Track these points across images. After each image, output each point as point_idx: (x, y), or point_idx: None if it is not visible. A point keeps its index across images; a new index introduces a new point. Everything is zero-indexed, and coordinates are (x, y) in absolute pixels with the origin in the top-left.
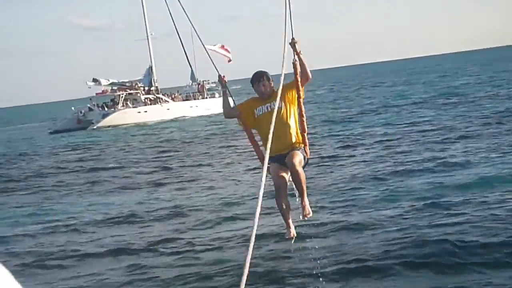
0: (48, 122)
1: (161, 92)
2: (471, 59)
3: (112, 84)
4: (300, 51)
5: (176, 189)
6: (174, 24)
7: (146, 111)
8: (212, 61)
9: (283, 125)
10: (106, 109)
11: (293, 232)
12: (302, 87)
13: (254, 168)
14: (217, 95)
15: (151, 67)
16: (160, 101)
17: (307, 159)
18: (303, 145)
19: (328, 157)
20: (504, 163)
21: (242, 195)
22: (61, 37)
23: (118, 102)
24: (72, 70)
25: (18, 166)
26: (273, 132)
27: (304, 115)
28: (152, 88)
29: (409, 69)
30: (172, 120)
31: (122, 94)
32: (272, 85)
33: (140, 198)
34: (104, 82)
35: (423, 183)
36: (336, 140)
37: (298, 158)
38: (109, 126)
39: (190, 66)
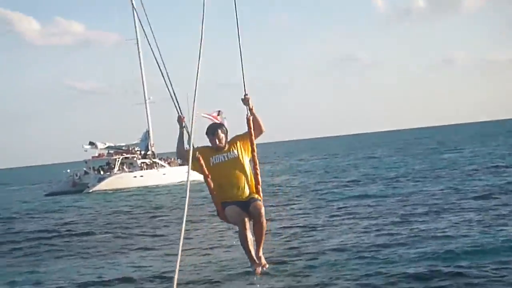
0: (44, 184)
1: (157, 156)
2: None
3: (108, 147)
4: (252, 107)
5: (165, 254)
6: (169, 91)
7: (142, 176)
8: (174, 100)
9: (240, 173)
10: (102, 172)
11: (263, 262)
12: (255, 139)
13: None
14: None
15: (148, 132)
16: (156, 166)
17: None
18: (258, 196)
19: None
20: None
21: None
22: (56, 100)
23: (114, 166)
24: (67, 133)
25: (12, 228)
26: (231, 180)
27: (258, 167)
28: (149, 153)
29: (402, 139)
30: (167, 185)
31: (119, 158)
32: (227, 137)
33: (129, 261)
34: (100, 145)
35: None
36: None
37: (263, 209)
38: (104, 190)
39: (188, 132)
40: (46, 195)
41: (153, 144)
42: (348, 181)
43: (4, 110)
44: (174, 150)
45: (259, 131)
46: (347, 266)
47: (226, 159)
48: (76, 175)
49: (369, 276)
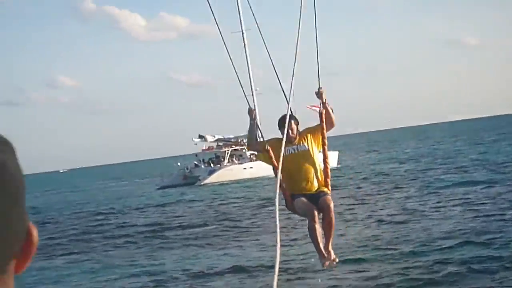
0: (155, 178)
1: None
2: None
3: (217, 140)
4: (326, 100)
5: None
6: (279, 82)
7: (251, 167)
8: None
9: (309, 166)
10: (212, 165)
11: (333, 257)
12: (326, 133)
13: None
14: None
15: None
16: None
17: None
18: (327, 190)
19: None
20: None
21: None
22: (162, 94)
23: (224, 159)
24: (175, 126)
25: (126, 221)
26: (300, 173)
27: (328, 161)
28: None
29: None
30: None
31: (228, 150)
32: (299, 128)
33: (239, 252)
34: (210, 138)
35: None
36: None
37: (332, 204)
38: (215, 183)
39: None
40: (158, 188)
41: (261, 135)
42: (456, 168)
43: (112, 104)
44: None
45: (331, 125)
46: (456, 251)
47: (297, 151)
48: (187, 168)
49: (481, 262)
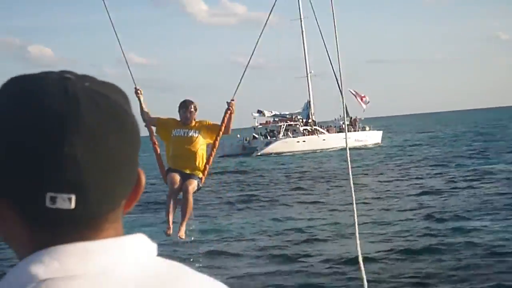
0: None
1: (317, 124)
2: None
3: (274, 116)
4: (233, 112)
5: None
6: (332, 67)
7: (304, 141)
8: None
9: (191, 151)
10: (268, 138)
11: (171, 231)
12: (219, 136)
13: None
14: (367, 128)
15: (309, 102)
16: (317, 133)
17: (200, 186)
18: (201, 174)
19: None
20: None
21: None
22: (224, 74)
23: (279, 132)
24: (236, 103)
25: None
26: (181, 153)
27: (215, 151)
28: (310, 121)
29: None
30: (327, 150)
31: (283, 125)
32: (196, 115)
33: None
34: (267, 113)
35: None
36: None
37: (192, 186)
38: (271, 153)
39: (344, 102)
40: (220, 157)
41: (313, 113)
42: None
43: (177, 84)
44: (332, 119)
45: (227, 132)
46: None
47: (186, 135)
48: (246, 140)
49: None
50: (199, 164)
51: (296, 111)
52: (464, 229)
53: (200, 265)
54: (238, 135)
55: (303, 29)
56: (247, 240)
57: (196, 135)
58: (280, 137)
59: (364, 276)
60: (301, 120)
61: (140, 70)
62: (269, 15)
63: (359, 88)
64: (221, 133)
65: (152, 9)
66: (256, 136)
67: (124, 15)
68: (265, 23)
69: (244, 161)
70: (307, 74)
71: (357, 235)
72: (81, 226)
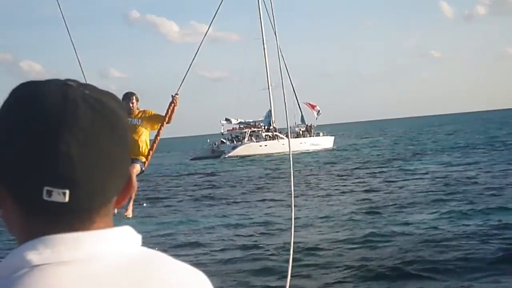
0: (189, 151)
1: (277, 130)
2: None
3: (240, 123)
4: (176, 105)
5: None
6: (290, 80)
7: (266, 145)
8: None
9: (135, 137)
10: (234, 142)
11: (128, 212)
12: (163, 125)
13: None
14: (321, 134)
15: (270, 111)
16: (277, 138)
17: (143, 170)
18: (144, 159)
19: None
20: None
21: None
22: (193, 87)
23: (244, 137)
24: (204, 112)
25: (168, 182)
26: None
27: (158, 139)
28: (271, 127)
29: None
30: (286, 153)
31: (248, 131)
32: (138, 105)
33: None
34: (234, 121)
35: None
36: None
37: (135, 169)
38: (237, 156)
39: (301, 111)
40: (191, 159)
41: (274, 121)
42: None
43: (149, 92)
44: (291, 125)
45: (169, 121)
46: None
47: (130, 123)
48: (215, 144)
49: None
50: (142, 149)
51: (259, 119)
52: (399, 221)
53: (173, 253)
54: (208, 140)
55: (265, 47)
56: (213, 232)
57: (139, 123)
58: (245, 142)
59: (291, 262)
60: (263, 127)
61: (119, 82)
62: (208, 28)
63: (311, 98)
64: (165, 123)
65: (127, 28)
66: (224, 141)
67: (103, 34)
68: (204, 36)
69: (213, 163)
70: (268, 86)
71: (293, 228)
72: (74, 218)
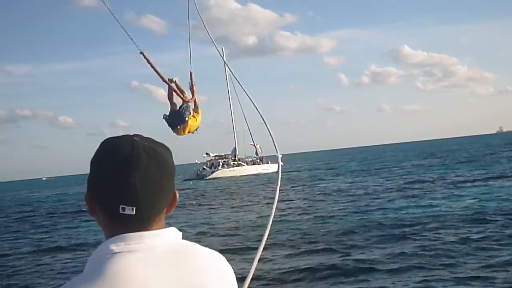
0: (181, 176)
1: (241, 160)
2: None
3: (215, 155)
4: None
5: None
6: (233, 127)
7: (233, 170)
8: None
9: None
10: (212, 168)
11: None
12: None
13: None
14: (269, 162)
15: (235, 147)
16: (240, 165)
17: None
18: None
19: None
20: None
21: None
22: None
23: (219, 165)
24: (188, 149)
25: None
26: None
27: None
28: (236, 158)
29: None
30: (248, 175)
31: (221, 161)
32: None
33: (218, 215)
34: (211, 154)
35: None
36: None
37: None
38: (214, 178)
39: (255, 147)
40: (183, 180)
41: (238, 153)
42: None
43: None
44: (248, 155)
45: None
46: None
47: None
48: (199, 170)
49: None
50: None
51: (228, 153)
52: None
53: None
54: (194, 168)
55: (231, 103)
56: (196, 233)
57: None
58: (219, 168)
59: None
60: (231, 158)
61: (123, 128)
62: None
63: (255, 138)
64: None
65: (128, 93)
66: (205, 167)
67: (111, 98)
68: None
69: (198, 182)
70: (233, 130)
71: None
72: (138, 224)
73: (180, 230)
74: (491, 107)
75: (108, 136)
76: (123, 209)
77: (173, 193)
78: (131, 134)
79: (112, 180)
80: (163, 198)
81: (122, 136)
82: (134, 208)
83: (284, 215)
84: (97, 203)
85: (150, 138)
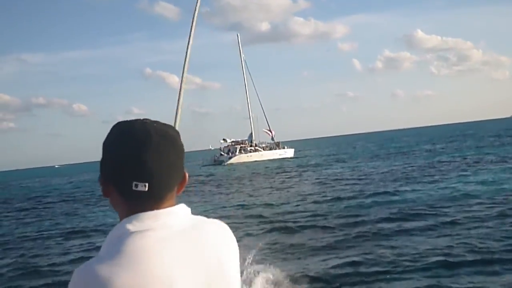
0: (200, 161)
1: (257, 145)
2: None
3: (232, 141)
4: None
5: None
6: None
7: (251, 155)
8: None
9: None
10: (230, 154)
11: None
12: None
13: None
14: (285, 147)
15: (251, 132)
16: (257, 150)
17: None
18: None
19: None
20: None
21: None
22: (190, 119)
23: (236, 151)
24: (203, 136)
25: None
26: None
27: None
28: (253, 143)
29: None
30: (264, 160)
31: (238, 146)
32: None
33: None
34: (228, 140)
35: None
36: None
37: None
38: (232, 164)
39: (271, 132)
40: (202, 166)
41: (254, 139)
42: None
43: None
44: (263, 140)
45: None
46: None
47: None
48: (216, 156)
49: None
50: None
51: (245, 138)
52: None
53: None
54: (210, 154)
55: (247, 89)
56: (217, 214)
57: None
58: (236, 154)
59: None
60: (248, 144)
61: (138, 116)
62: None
63: (272, 125)
64: None
65: (143, 81)
66: (223, 153)
67: (127, 86)
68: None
69: (216, 168)
70: (249, 116)
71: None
72: (151, 202)
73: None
74: (507, 91)
75: None
76: (136, 185)
77: (183, 172)
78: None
79: (125, 158)
80: (175, 176)
81: (133, 120)
82: (147, 184)
83: (302, 199)
84: (111, 182)
85: (158, 121)
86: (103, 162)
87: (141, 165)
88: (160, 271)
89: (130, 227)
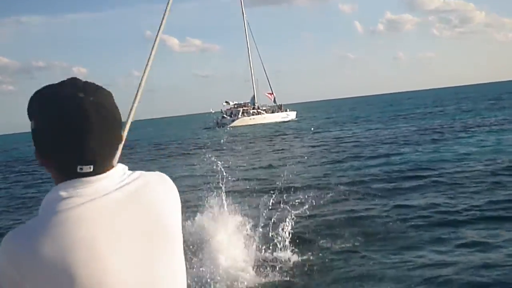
0: (201, 124)
1: (260, 108)
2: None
3: (235, 104)
4: None
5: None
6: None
7: (254, 118)
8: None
9: None
10: (232, 117)
11: None
12: None
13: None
14: (288, 110)
15: (254, 95)
16: (260, 113)
17: None
18: None
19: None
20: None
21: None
22: (187, 81)
23: (238, 113)
24: (203, 98)
25: (183, 144)
26: None
27: None
28: (256, 106)
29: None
30: (267, 123)
31: (240, 109)
32: None
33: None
34: (231, 103)
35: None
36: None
37: None
38: (235, 126)
39: (272, 95)
40: (204, 129)
41: (257, 102)
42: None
43: (158, 87)
44: (266, 103)
45: None
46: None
47: None
48: (219, 118)
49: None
50: None
51: (247, 101)
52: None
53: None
54: (215, 116)
55: (249, 51)
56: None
57: None
58: (239, 117)
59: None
60: (250, 106)
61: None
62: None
63: (274, 88)
64: None
65: (144, 44)
66: (225, 116)
67: (128, 49)
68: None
69: (218, 131)
70: (252, 78)
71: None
72: (93, 175)
73: (207, 183)
74: (510, 53)
75: (122, 87)
76: (81, 168)
77: (121, 138)
78: (70, 78)
79: (66, 145)
80: (116, 149)
81: (63, 89)
82: (92, 166)
83: (300, 161)
84: (53, 165)
85: (92, 85)
86: (37, 136)
87: (84, 150)
88: (84, 233)
89: (63, 193)
